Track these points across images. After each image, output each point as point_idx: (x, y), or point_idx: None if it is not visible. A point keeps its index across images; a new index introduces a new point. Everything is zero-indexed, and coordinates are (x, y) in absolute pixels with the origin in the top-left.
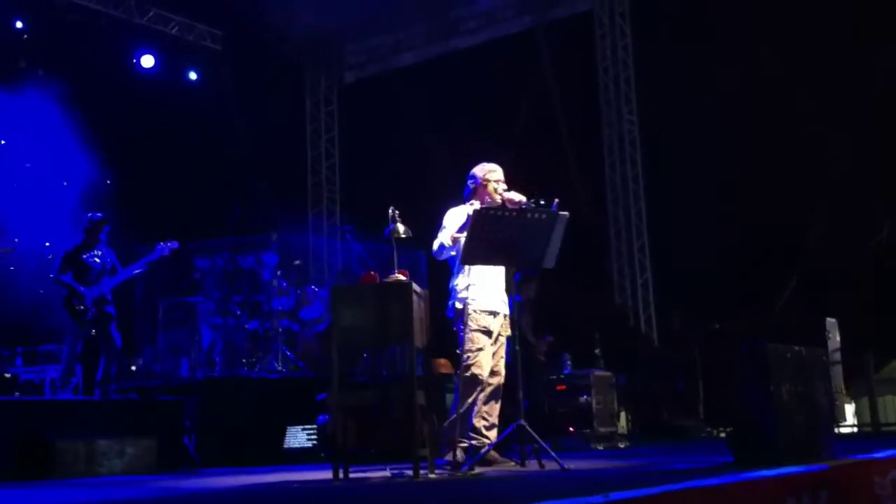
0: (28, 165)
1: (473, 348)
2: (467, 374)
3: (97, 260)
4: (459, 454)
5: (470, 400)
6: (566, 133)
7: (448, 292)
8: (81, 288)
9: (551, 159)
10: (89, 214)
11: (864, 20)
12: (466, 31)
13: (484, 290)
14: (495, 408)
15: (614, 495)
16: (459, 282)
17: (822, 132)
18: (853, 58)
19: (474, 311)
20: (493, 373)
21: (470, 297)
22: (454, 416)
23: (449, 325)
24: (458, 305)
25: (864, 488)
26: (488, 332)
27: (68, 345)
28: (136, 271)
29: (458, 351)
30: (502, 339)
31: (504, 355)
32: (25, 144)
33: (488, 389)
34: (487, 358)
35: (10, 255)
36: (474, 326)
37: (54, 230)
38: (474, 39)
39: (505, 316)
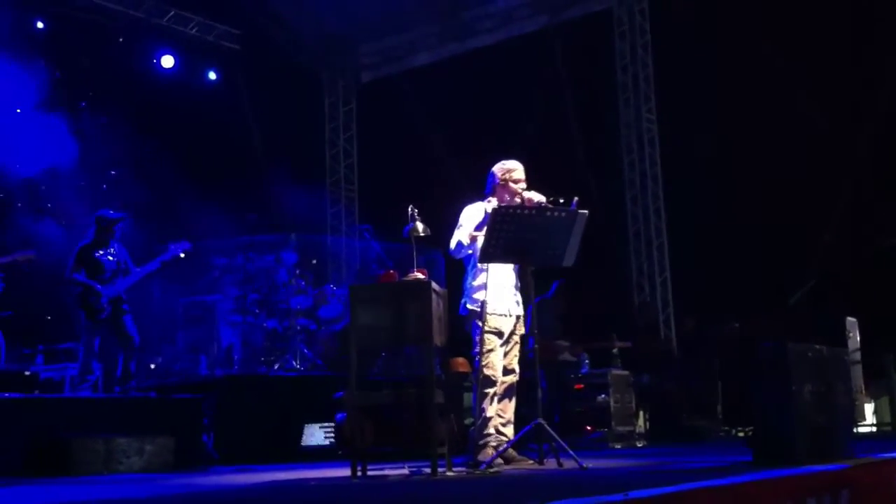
0: (46, 164)
1: (484, 350)
2: (481, 375)
3: (111, 258)
4: (490, 451)
5: (486, 400)
6: (582, 132)
7: (462, 291)
8: (98, 285)
9: (568, 158)
10: (102, 211)
11: (882, 18)
12: (482, 30)
13: (497, 291)
14: (510, 405)
15: (633, 494)
16: (473, 281)
17: (842, 130)
18: (873, 53)
19: (486, 312)
20: (507, 371)
21: (482, 298)
22: (478, 419)
23: (462, 323)
24: (470, 306)
25: (884, 488)
26: (499, 334)
27: (84, 343)
28: (150, 270)
29: (472, 353)
30: (516, 338)
31: (518, 353)
32: (43, 144)
33: (502, 387)
34: (498, 358)
35: (30, 264)
36: (486, 328)
37: (73, 229)
38: (490, 39)
39: (518, 316)
